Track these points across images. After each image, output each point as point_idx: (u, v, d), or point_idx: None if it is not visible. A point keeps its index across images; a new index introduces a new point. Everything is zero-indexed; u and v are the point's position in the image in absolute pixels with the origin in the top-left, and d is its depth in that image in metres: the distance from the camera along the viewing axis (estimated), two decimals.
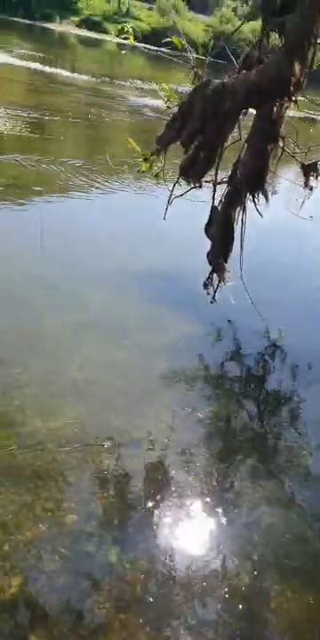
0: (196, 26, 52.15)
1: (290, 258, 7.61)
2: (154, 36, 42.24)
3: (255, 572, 2.91)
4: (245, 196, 3.52)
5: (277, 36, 3.29)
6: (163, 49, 5.04)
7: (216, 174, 3.74)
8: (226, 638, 2.57)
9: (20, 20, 38.48)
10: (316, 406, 4.47)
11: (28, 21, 39.04)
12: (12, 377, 3.90)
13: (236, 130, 3.74)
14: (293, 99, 3.30)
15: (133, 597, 2.63)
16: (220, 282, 3.76)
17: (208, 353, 4.85)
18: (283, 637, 2.69)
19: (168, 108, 4.04)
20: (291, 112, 3.77)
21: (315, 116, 14.10)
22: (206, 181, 3.92)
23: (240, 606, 2.72)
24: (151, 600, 2.65)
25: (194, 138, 3.79)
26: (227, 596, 2.75)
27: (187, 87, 4.14)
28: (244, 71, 3.47)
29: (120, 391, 4.11)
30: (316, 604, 2.85)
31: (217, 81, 3.62)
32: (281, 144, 3.38)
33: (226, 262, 3.73)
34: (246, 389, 4.63)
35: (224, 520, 3.22)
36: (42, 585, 2.60)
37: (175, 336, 4.97)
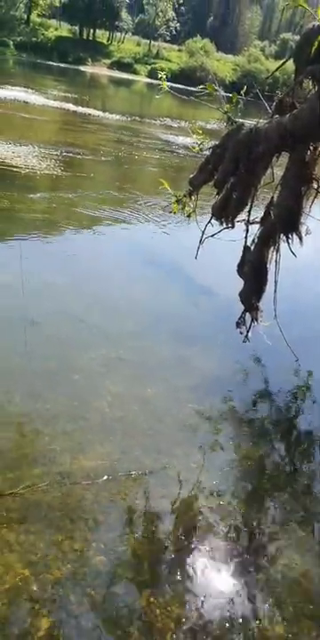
0: (224, 65, 53.44)
1: None
2: (182, 76, 43.55)
3: (285, 622, 2.81)
4: (279, 236, 3.53)
5: (311, 82, 3.35)
6: (191, 88, 5.15)
7: (249, 214, 3.77)
8: None
9: (55, 63, 40.21)
10: None
11: (62, 64, 40.71)
12: (43, 412, 3.93)
13: (269, 170, 3.78)
14: None
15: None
16: (252, 321, 3.74)
17: (237, 392, 4.80)
18: None
19: (200, 150, 4.12)
20: None
21: None
22: (238, 221, 3.95)
23: None
24: None
25: (227, 179, 3.85)
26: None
27: (215, 124, 4.22)
28: (276, 116, 3.53)
29: (149, 429, 4.09)
30: None
31: (249, 124, 3.70)
32: (315, 185, 3.40)
33: (259, 302, 3.72)
34: (276, 430, 4.54)
35: (254, 566, 3.14)
36: (70, 628, 2.56)
37: (204, 374, 4.94)
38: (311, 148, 3.35)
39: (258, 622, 2.78)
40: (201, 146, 4.11)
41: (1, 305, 5.20)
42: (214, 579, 2.98)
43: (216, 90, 3.76)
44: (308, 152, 3.35)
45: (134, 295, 6.22)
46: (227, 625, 2.74)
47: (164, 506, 3.42)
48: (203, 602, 2.83)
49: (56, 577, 2.78)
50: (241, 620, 2.78)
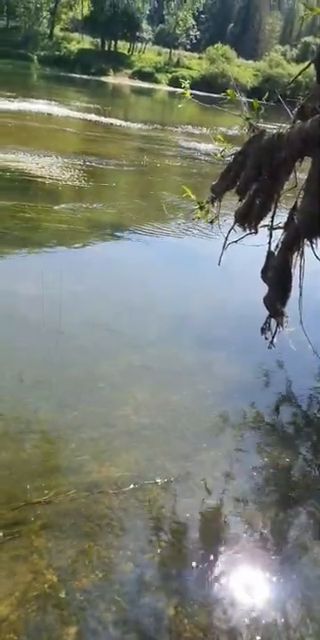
0: (245, 71, 53.37)
1: None
2: (203, 83, 43.66)
3: (317, 634, 2.77)
4: (303, 241, 3.51)
5: None
6: (213, 94, 5.15)
7: (272, 220, 3.76)
8: None
9: (78, 75, 40.84)
10: None
11: (84, 76, 41.32)
12: (69, 420, 3.98)
13: (292, 175, 3.76)
14: None
15: None
16: (277, 327, 3.72)
17: (262, 397, 4.77)
18: None
19: (222, 157, 4.13)
20: None
21: None
22: (262, 226, 3.94)
23: None
24: None
25: (249, 186, 3.85)
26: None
27: (236, 130, 4.21)
28: (298, 121, 3.52)
29: (175, 436, 4.09)
30: None
31: (271, 130, 3.69)
32: None
33: (284, 307, 3.70)
34: (302, 435, 4.49)
35: (283, 575, 3.10)
36: (97, 637, 2.58)
37: (228, 380, 4.92)
38: None
39: (286, 631, 2.75)
40: (223, 153, 4.11)
41: (26, 315, 5.29)
42: (242, 587, 2.96)
43: (237, 96, 3.77)
44: None
45: (158, 301, 6.24)
46: (255, 635, 2.71)
47: (191, 513, 3.41)
48: (230, 611, 2.81)
49: (84, 584, 2.81)
50: (269, 631, 2.75)
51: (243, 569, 3.06)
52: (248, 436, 4.29)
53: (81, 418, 4.00)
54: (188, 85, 4.21)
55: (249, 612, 2.82)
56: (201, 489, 3.66)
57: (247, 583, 2.99)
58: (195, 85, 33.33)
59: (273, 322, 3.72)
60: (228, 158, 4.03)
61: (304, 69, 3.83)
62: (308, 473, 4.03)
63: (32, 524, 3.07)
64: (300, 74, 3.98)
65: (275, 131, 3.77)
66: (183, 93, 4.19)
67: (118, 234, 8.31)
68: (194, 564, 3.07)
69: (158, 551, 3.08)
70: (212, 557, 3.12)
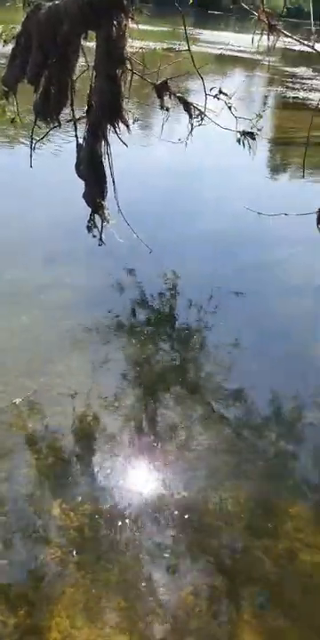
0: None
1: (166, 195, 7.54)
2: None
3: (197, 490, 3.14)
4: (106, 127, 3.32)
5: None
6: None
7: (72, 109, 3.48)
8: (178, 553, 2.81)
9: None
10: (222, 330, 4.65)
11: None
12: None
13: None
14: (130, 15, 3.05)
15: (83, 539, 2.79)
16: (103, 222, 3.63)
17: (114, 302, 4.84)
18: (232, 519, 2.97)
19: (5, 42, 3.63)
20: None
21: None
22: (67, 121, 3.68)
23: (189, 521, 2.95)
24: (101, 536, 2.82)
25: (40, 72, 3.46)
26: (169, 512, 2.98)
27: None
28: None
29: (31, 354, 4.06)
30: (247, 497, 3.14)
31: (48, 3, 3.26)
32: (129, 66, 3.16)
33: (104, 200, 3.59)
34: (158, 330, 4.70)
35: (160, 447, 3.42)
36: None
37: (77, 291, 4.90)
38: (115, 23, 3.05)
39: (168, 499, 3.09)
40: (4, 38, 3.60)
41: None
42: (122, 473, 3.23)
43: None
44: (114, 28, 3.05)
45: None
46: (138, 507, 3.01)
47: (63, 421, 3.53)
48: (113, 496, 3.07)
49: None
50: (153, 500, 3.07)
51: (121, 461, 3.31)
52: (109, 342, 4.38)
53: None
54: None
55: (130, 493, 3.10)
56: (66, 397, 3.74)
57: (126, 469, 3.26)
58: None
59: (97, 218, 3.62)
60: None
61: None
62: (169, 363, 4.28)
63: None
64: None
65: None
66: None
67: None
68: (74, 467, 3.24)
69: (35, 464, 3.18)
70: (88, 456, 3.32)
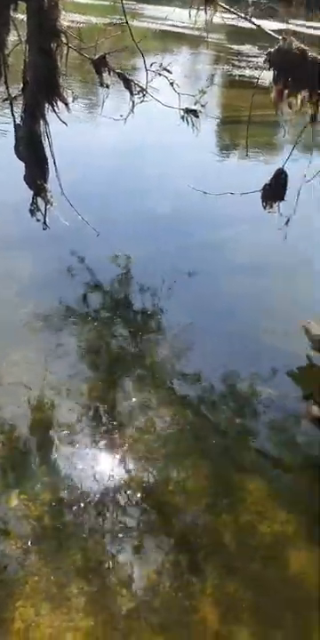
0: None
1: (110, 174, 7.42)
2: None
3: (157, 471, 3.16)
4: (43, 105, 3.19)
5: None
6: None
7: (7, 87, 3.32)
8: (141, 534, 2.82)
9: None
10: (176, 311, 4.66)
11: None
12: None
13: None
14: None
15: (43, 528, 2.76)
16: (46, 205, 3.51)
17: (65, 289, 4.74)
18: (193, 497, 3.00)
19: None
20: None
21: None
22: (3, 100, 3.51)
23: (151, 501, 2.98)
24: (62, 524, 2.80)
25: None
26: (130, 494, 3.00)
27: None
28: None
29: None
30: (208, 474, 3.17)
31: None
32: (64, 39, 3.03)
33: (46, 182, 3.46)
34: (112, 314, 4.64)
35: (118, 431, 3.40)
36: None
37: (24, 279, 4.76)
38: None
39: (129, 478, 3.11)
40: None
41: None
42: (81, 460, 3.21)
43: None
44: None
45: None
46: (99, 492, 3.01)
47: (16, 411, 3.44)
48: (72, 483, 3.05)
49: None
50: (113, 480, 3.08)
51: (79, 448, 3.27)
52: (62, 328, 4.28)
53: None
54: None
55: (89, 475, 3.09)
56: (20, 386, 3.64)
57: (85, 454, 3.24)
58: None
59: (40, 201, 3.49)
60: None
61: None
62: (125, 347, 4.24)
63: None
64: None
65: None
66: None
67: None
68: (33, 457, 3.17)
69: None
70: (46, 444, 3.26)
